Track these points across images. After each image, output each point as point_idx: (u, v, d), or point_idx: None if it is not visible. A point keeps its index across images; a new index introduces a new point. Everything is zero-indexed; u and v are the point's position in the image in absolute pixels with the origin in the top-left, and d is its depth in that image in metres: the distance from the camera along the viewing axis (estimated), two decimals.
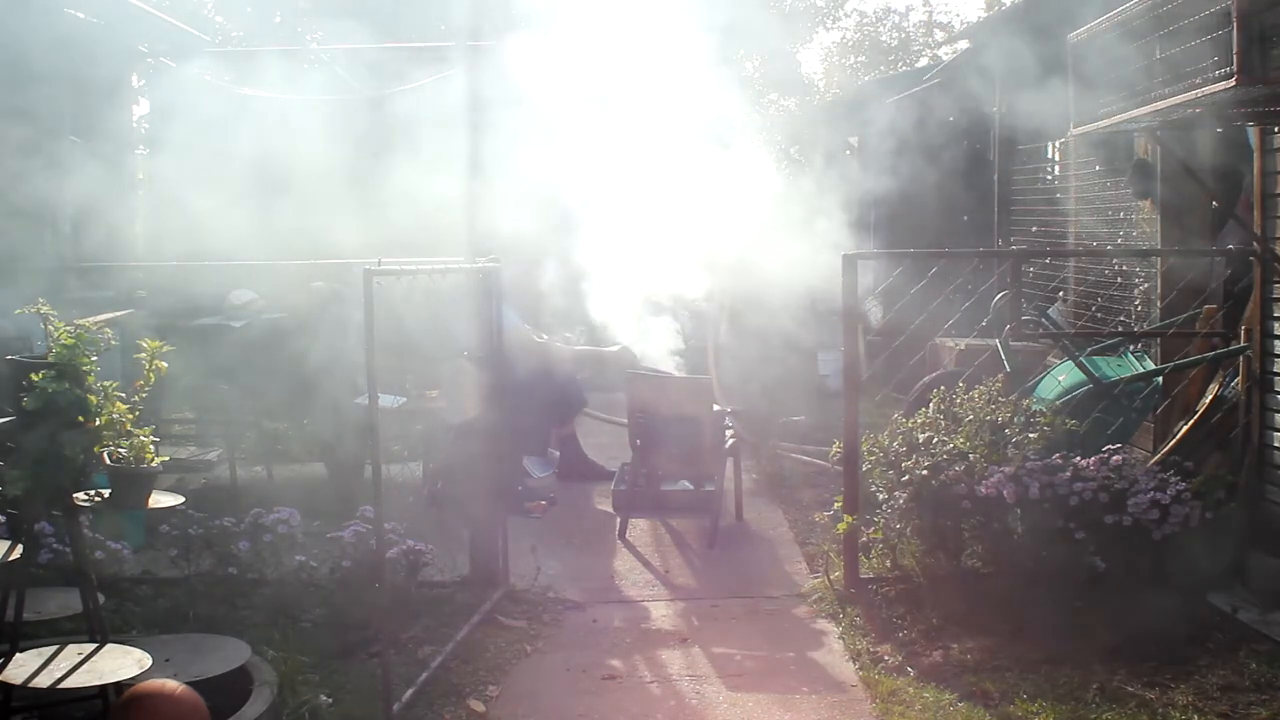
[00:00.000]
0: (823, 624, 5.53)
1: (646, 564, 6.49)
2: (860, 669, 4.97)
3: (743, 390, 8.79)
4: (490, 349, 5.77)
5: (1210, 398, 6.27)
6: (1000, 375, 6.11)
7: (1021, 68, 7.40)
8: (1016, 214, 10.47)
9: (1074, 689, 4.59)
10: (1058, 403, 6.27)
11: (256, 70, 8.02)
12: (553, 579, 6.00)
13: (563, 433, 8.28)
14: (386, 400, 6.72)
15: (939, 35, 26.73)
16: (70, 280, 7.60)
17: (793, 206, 7.73)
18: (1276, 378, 5.82)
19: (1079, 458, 5.52)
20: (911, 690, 4.70)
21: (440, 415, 7.13)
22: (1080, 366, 6.46)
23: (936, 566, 5.56)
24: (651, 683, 4.90)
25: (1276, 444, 5.78)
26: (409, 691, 4.57)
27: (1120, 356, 6.99)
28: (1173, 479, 5.46)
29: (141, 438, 3.85)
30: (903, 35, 27.90)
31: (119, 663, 3.65)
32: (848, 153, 13.94)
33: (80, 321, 3.84)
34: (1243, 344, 5.98)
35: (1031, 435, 5.58)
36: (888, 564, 5.72)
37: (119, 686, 3.67)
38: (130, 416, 3.84)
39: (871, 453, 5.71)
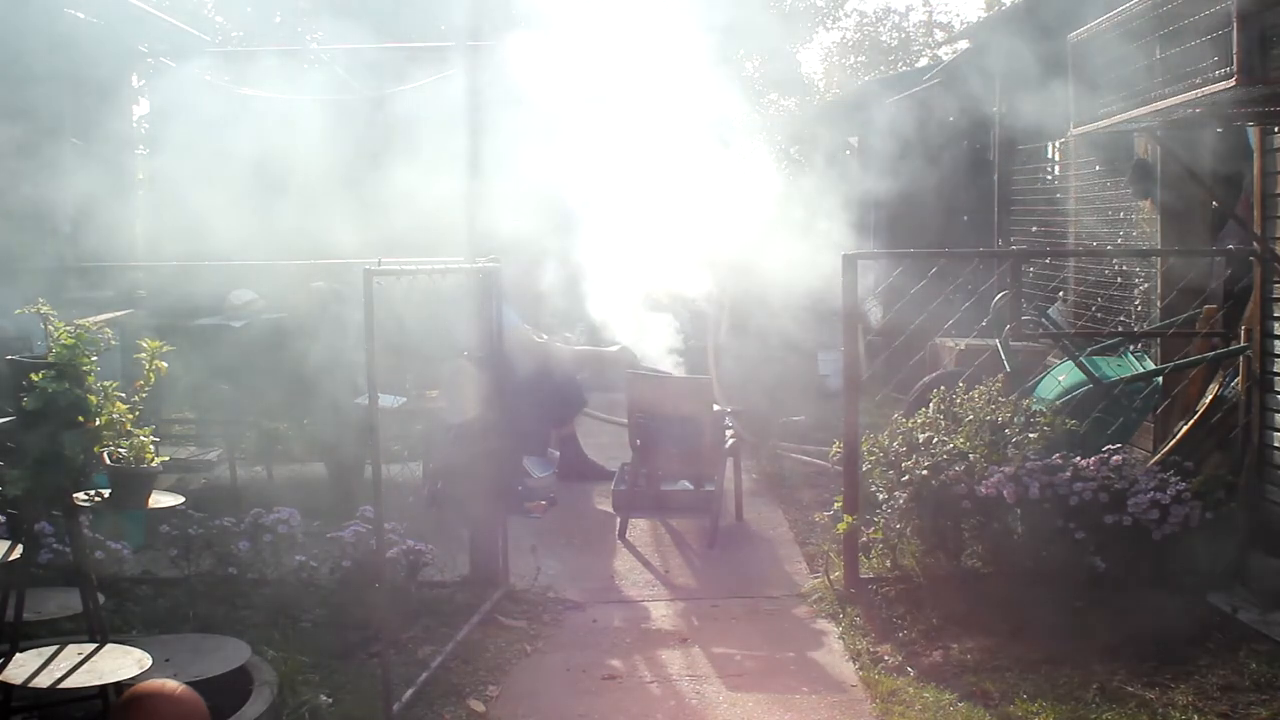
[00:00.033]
0: (823, 624, 5.53)
1: (646, 564, 6.49)
2: (860, 669, 4.97)
3: (743, 390, 8.79)
4: (490, 349, 5.77)
5: (1210, 398, 6.27)
6: (1000, 375, 6.11)
7: (1022, 68, 7.40)
8: (1016, 214, 10.46)
9: (1074, 689, 4.59)
10: (1058, 403, 6.27)
11: (256, 70, 8.01)
12: (553, 579, 6.00)
13: (563, 433, 8.28)
14: (386, 400, 6.72)
15: (939, 35, 26.76)
16: (70, 280, 7.59)
17: (793, 206, 7.75)
18: (1276, 378, 5.81)
19: (1079, 458, 5.53)
20: (911, 690, 4.70)
21: (440, 415, 7.12)
22: (1080, 366, 6.46)
23: (936, 566, 5.56)
24: (651, 683, 4.90)
25: (1276, 444, 5.78)
26: (409, 691, 4.57)
27: (1120, 356, 6.99)
28: (1173, 479, 5.46)
29: (141, 438, 3.85)
30: (903, 35, 27.95)
31: (119, 663, 3.64)
32: (848, 153, 13.94)
33: (80, 321, 3.84)
34: (1243, 344, 5.98)
35: (1031, 435, 5.58)
36: (888, 564, 5.72)
37: (119, 686, 3.67)
38: (130, 416, 3.84)
39: (871, 453, 5.71)
